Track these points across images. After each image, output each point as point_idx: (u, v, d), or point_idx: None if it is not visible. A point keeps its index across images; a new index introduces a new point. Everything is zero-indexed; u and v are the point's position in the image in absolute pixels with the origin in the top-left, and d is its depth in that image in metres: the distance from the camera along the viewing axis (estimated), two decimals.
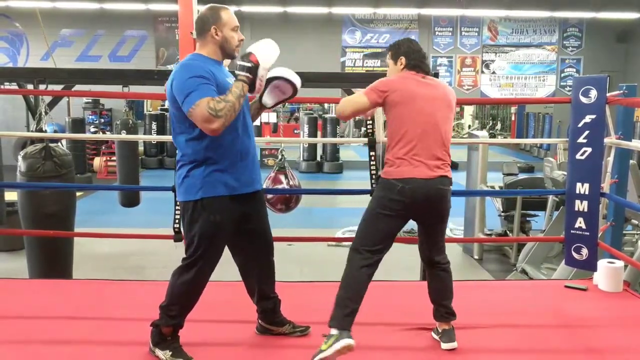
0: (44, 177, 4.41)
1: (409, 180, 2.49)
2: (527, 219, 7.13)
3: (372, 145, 3.46)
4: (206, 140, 2.36)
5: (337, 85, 6.51)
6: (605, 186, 3.45)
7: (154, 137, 15.36)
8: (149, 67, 16.01)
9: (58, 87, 5.16)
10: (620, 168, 3.61)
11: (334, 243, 6.99)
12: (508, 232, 7.13)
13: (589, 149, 3.37)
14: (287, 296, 2.78)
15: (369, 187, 3.46)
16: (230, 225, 2.47)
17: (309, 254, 6.56)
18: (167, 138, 2.87)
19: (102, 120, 16.33)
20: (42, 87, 4.74)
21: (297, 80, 2.59)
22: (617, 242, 3.77)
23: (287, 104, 3.13)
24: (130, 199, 6.66)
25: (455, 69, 17.91)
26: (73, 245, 4.79)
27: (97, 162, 13.87)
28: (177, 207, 3.29)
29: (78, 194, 7.72)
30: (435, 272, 2.69)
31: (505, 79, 18.11)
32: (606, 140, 3.43)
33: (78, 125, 12.49)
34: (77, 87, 5.43)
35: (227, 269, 2.71)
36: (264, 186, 4.51)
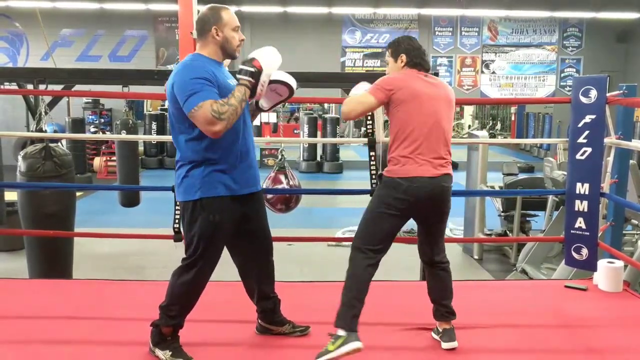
0: (44, 177, 4.42)
1: (414, 179, 2.49)
2: (527, 219, 7.12)
3: (372, 145, 3.46)
4: (206, 141, 2.36)
5: (337, 85, 6.52)
6: (605, 186, 3.45)
7: (154, 137, 15.36)
8: (149, 67, 16.03)
9: (58, 87, 5.16)
10: (620, 168, 3.61)
11: (334, 243, 6.99)
12: (508, 232, 7.13)
13: (589, 149, 3.37)
14: (287, 296, 2.78)
15: (369, 187, 3.46)
16: (229, 225, 2.47)
17: (309, 254, 6.56)
18: (167, 138, 2.87)
19: (102, 120, 16.33)
20: (42, 87, 4.74)
21: (293, 82, 2.58)
22: (617, 242, 3.76)
23: (287, 104, 3.13)
24: (130, 199, 6.66)
25: (455, 69, 17.92)
26: (73, 245, 4.80)
27: (97, 162, 13.87)
28: (177, 207, 3.29)
29: (78, 194, 7.73)
30: (435, 271, 2.69)
31: (505, 79, 18.12)
32: (606, 140, 3.43)
33: (78, 125, 12.49)
34: (77, 87, 5.43)
35: (227, 269, 2.71)
36: (264, 186, 4.51)
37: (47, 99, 4.75)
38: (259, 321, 2.75)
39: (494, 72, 18.07)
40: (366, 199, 3.45)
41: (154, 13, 16.54)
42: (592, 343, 2.79)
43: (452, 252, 6.46)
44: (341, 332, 2.43)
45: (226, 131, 2.32)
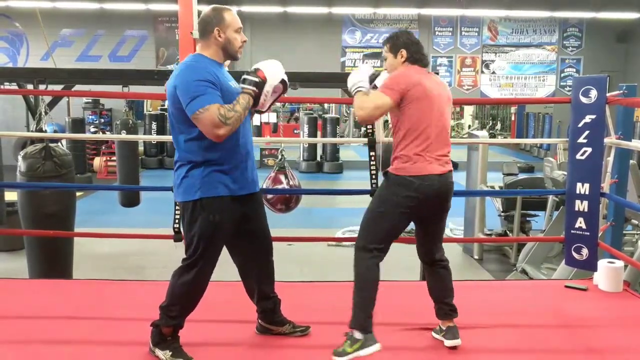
0: (44, 177, 4.42)
1: (425, 177, 2.49)
2: (527, 219, 7.12)
3: (372, 145, 3.45)
4: (206, 142, 2.36)
5: (337, 85, 6.51)
6: (605, 186, 3.45)
7: (154, 137, 15.35)
8: (149, 67, 16.02)
9: (58, 87, 5.16)
10: (620, 168, 3.61)
11: (334, 243, 6.99)
12: (508, 232, 7.13)
13: (589, 149, 3.37)
14: (287, 296, 2.78)
15: (369, 187, 3.46)
16: (229, 225, 2.47)
17: (309, 254, 6.56)
18: (167, 138, 2.87)
19: (102, 120, 16.33)
20: (42, 87, 4.75)
21: (285, 76, 2.55)
22: (617, 242, 3.76)
23: (287, 104, 3.13)
24: (130, 199, 6.66)
25: (455, 69, 17.92)
26: (73, 245, 4.79)
27: (97, 162, 13.87)
28: (176, 207, 3.29)
29: (78, 194, 7.72)
30: (436, 270, 2.69)
31: (505, 79, 18.11)
32: (606, 140, 3.43)
33: (78, 125, 12.49)
34: (77, 87, 5.43)
35: (227, 269, 2.71)
36: (264, 186, 4.51)
37: (47, 99, 4.75)
38: (259, 321, 2.75)
39: (494, 72, 18.07)
40: (366, 199, 3.45)
41: (154, 13, 16.54)
42: (592, 343, 2.79)
43: (452, 252, 6.46)
44: (358, 335, 2.46)
45: None
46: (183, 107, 2.32)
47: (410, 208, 2.52)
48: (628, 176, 3.98)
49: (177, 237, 3.42)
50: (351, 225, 7.70)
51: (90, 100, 15.93)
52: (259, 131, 16.99)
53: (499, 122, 24.41)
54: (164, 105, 16.15)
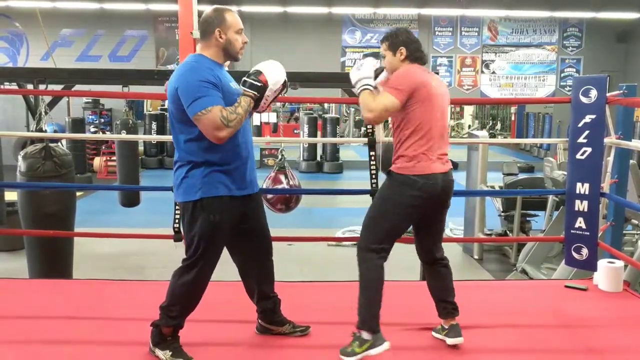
0: (44, 177, 4.41)
1: (430, 176, 2.49)
2: (527, 219, 7.12)
3: (372, 145, 3.45)
4: (206, 142, 2.36)
5: (337, 85, 6.52)
6: (605, 186, 3.45)
7: (154, 137, 15.35)
8: (149, 67, 16.02)
9: (58, 87, 5.16)
10: (620, 168, 3.61)
11: (334, 243, 6.99)
12: (508, 232, 7.13)
13: (589, 149, 3.37)
14: (287, 296, 2.78)
15: (369, 187, 3.45)
16: (229, 225, 2.47)
17: (309, 254, 6.56)
18: (167, 138, 2.87)
19: (102, 120, 16.33)
20: (42, 87, 4.74)
21: (285, 75, 2.53)
22: (617, 242, 3.76)
23: (287, 104, 3.13)
24: (130, 199, 6.66)
25: (455, 69, 17.93)
26: (73, 245, 4.79)
27: (97, 162, 13.87)
28: (176, 207, 3.29)
29: (78, 194, 7.72)
30: (437, 268, 2.69)
31: (505, 79, 18.12)
32: (606, 140, 3.43)
33: (78, 125, 12.48)
34: (77, 87, 5.43)
35: (227, 269, 2.71)
36: (264, 186, 4.51)
37: (47, 99, 4.75)
38: (259, 321, 2.75)
39: (494, 72, 18.07)
40: (367, 199, 3.45)
41: (154, 13, 16.54)
42: (592, 343, 2.79)
43: (452, 252, 6.45)
44: (366, 336, 2.47)
45: None
46: (184, 107, 2.32)
47: (415, 207, 2.52)
48: (628, 176, 3.98)
49: (177, 237, 3.42)
50: (351, 225, 7.70)
51: (90, 100, 15.93)
52: (259, 131, 16.99)
53: (499, 122, 24.41)
54: (164, 105, 16.16)
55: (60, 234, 4.40)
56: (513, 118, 21.55)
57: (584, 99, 3.38)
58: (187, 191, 2.41)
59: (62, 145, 7.16)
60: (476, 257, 6.99)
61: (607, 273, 3.43)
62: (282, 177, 4.61)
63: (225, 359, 2.59)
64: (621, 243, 4.10)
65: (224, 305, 3.06)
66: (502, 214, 7.28)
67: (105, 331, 2.83)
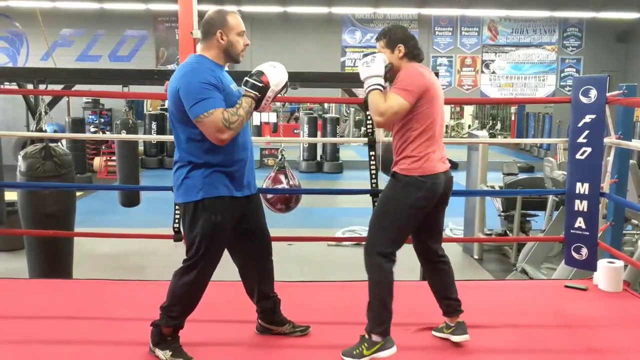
0: (44, 177, 4.41)
1: (434, 176, 2.50)
2: (527, 218, 7.12)
3: (372, 145, 3.45)
4: (207, 143, 2.36)
5: (337, 85, 6.52)
6: (605, 186, 3.45)
7: (154, 137, 15.35)
8: (149, 67, 16.03)
9: (58, 87, 5.16)
10: (620, 168, 3.61)
11: (334, 243, 6.99)
12: (508, 232, 7.13)
13: (589, 149, 3.37)
14: (287, 296, 2.78)
15: (369, 187, 3.45)
16: (230, 225, 2.47)
17: (309, 254, 6.56)
18: (167, 138, 2.88)
19: (102, 120, 16.33)
20: (42, 87, 4.74)
21: (287, 76, 2.52)
22: (617, 242, 3.76)
23: (287, 104, 3.13)
24: (130, 199, 6.65)
25: (455, 69, 17.93)
26: (73, 245, 4.79)
27: (97, 162, 13.87)
28: (176, 207, 3.29)
29: (78, 194, 7.72)
30: (439, 267, 2.69)
31: (505, 78, 18.12)
32: (606, 140, 3.43)
33: (78, 125, 12.48)
34: (77, 87, 5.43)
35: (227, 269, 2.71)
36: (264, 186, 4.51)
37: (47, 98, 4.74)
38: (259, 321, 2.75)
39: (494, 72, 18.08)
40: (367, 199, 3.45)
41: (154, 13, 16.55)
42: (592, 343, 2.79)
43: (452, 252, 6.44)
44: (376, 338, 2.49)
45: None
46: (186, 109, 2.32)
47: (420, 208, 2.51)
48: (628, 176, 3.98)
49: (177, 237, 3.42)
50: (351, 225, 7.70)
51: (90, 100, 15.93)
52: (259, 131, 16.99)
53: (499, 122, 24.40)
54: (164, 105, 16.15)
55: (60, 234, 4.39)
56: (513, 118, 21.54)
57: (583, 99, 3.38)
58: (188, 192, 2.41)
59: (62, 145, 7.16)
60: (476, 257, 6.98)
61: (607, 273, 3.43)
62: (282, 177, 4.61)
63: (225, 359, 2.59)
64: (621, 243, 4.10)
65: (224, 305, 3.06)
66: (502, 214, 7.28)
67: (105, 331, 2.83)
